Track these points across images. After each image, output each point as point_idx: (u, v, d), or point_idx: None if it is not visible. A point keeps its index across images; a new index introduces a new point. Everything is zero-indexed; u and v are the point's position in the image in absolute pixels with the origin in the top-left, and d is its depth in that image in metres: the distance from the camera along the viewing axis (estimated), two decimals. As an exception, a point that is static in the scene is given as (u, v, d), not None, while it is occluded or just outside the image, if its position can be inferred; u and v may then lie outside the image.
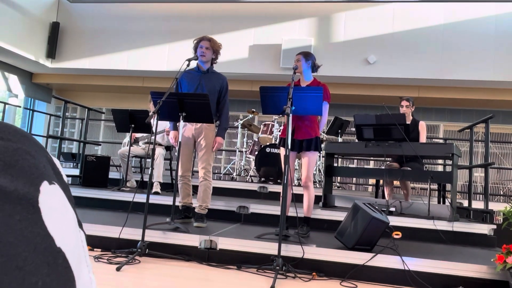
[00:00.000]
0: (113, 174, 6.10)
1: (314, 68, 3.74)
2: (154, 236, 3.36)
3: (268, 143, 6.13)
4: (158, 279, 2.71)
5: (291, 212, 3.86)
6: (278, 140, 4.94)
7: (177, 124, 3.84)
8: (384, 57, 7.60)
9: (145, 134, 5.55)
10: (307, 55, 3.72)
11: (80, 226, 0.34)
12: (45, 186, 0.28)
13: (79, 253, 0.30)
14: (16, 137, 0.29)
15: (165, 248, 3.31)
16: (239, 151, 6.97)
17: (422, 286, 2.89)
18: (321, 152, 5.88)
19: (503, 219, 3.42)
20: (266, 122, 6.51)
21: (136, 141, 5.64)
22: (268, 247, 3.20)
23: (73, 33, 8.78)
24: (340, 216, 4.09)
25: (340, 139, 6.55)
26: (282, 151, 3.78)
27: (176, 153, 3.76)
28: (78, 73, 9.25)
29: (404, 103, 5.02)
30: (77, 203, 4.66)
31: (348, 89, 8.29)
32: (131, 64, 8.50)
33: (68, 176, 5.89)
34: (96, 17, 8.73)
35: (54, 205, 0.28)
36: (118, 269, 2.81)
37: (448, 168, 6.40)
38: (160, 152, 5.19)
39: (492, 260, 2.92)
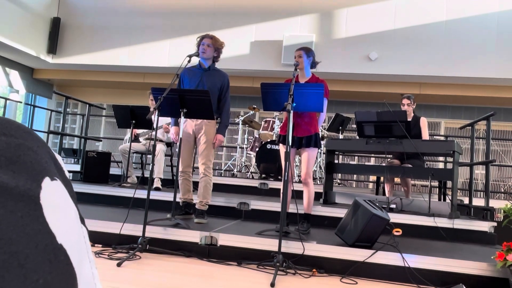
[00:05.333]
0: (114, 170, 6.10)
1: (313, 64, 3.73)
2: (154, 232, 3.36)
3: (269, 140, 6.13)
4: (158, 275, 2.72)
5: (292, 208, 3.86)
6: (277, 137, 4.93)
7: (178, 120, 3.85)
8: (385, 54, 7.58)
9: (146, 130, 5.55)
10: (308, 51, 3.70)
11: (83, 222, 0.33)
12: (47, 182, 0.28)
13: (80, 249, 0.30)
14: (18, 133, 0.29)
15: (166, 244, 3.31)
16: (239, 148, 6.97)
17: (422, 283, 2.89)
18: (321, 148, 5.88)
19: (504, 217, 3.42)
20: (267, 119, 6.50)
21: (137, 137, 5.65)
22: (269, 244, 3.20)
23: (74, 29, 8.77)
24: (340, 213, 4.09)
25: (341, 136, 6.55)
26: (281, 148, 3.77)
27: (177, 149, 3.76)
28: (79, 69, 9.24)
29: (405, 101, 5.01)
30: (78, 199, 4.64)
31: (350, 85, 8.28)
32: (132, 60, 8.49)
33: (69, 172, 5.89)
34: (97, 13, 8.72)
35: (55, 202, 0.28)
36: (118, 265, 2.81)
37: (449, 165, 6.40)
38: (160, 148, 5.19)
39: (492, 257, 2.92)
